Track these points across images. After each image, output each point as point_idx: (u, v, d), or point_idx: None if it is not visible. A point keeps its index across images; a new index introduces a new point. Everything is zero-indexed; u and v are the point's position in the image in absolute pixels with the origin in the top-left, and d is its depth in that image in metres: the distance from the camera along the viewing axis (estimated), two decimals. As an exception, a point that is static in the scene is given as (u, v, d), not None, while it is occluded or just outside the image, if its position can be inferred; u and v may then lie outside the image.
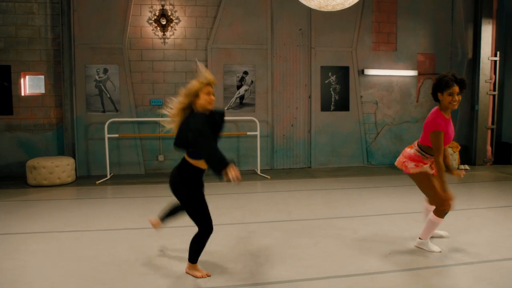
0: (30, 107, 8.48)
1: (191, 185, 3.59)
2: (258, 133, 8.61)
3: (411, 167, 4.24)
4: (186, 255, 3.79)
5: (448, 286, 3.46)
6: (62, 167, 7.66)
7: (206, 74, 3.68)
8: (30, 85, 8.60)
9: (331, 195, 6.88)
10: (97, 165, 8.63)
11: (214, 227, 3.62)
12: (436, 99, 4.05)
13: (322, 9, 4.66)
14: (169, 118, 3.71)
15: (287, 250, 4.33)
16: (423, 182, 4.24)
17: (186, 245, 3.78)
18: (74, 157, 8.35)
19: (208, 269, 3.81)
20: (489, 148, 9.72)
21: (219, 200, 6.51)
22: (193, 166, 3.58)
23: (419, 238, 4.37)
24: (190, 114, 3.58)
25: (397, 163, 4.47)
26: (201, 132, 3.30)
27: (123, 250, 4.31)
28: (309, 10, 9.07)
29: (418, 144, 4.28)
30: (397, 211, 5.85)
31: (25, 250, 4.36)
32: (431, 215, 4.24)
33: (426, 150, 4.16)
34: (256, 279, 3.62)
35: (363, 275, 3.70)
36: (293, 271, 3.79)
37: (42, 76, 8.51)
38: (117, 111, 8.61)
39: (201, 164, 3.56)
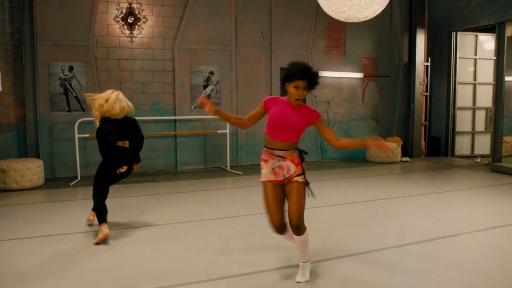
0: (-14, 106, 7.90)
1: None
2: (227, 131, 8.91)
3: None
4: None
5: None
6: (33, 169, 7.30)
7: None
8: (-15, 83, 8.00)
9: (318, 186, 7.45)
10: (62, 167, 8.30)
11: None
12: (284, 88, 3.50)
13: (348, 20, 5.23)
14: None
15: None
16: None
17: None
18: (38, 158, 7.94)
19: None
20: (423, 142, 11.04)
21: (219, 194, 6.78)
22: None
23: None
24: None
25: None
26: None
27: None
28: (270, 14, 9.59)
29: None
30: (379, 197, 6.60)
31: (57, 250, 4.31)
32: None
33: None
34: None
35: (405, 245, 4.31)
36: (335, 249, 4.27)
37: (-1, 73, 7.98)
38: (83, 110, 8.35)
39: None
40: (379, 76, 10.91)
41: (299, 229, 3.39)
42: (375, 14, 5.47)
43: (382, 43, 10.87)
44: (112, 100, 4.63)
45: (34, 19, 7.94)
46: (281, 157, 3.49)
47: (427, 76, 10.94)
